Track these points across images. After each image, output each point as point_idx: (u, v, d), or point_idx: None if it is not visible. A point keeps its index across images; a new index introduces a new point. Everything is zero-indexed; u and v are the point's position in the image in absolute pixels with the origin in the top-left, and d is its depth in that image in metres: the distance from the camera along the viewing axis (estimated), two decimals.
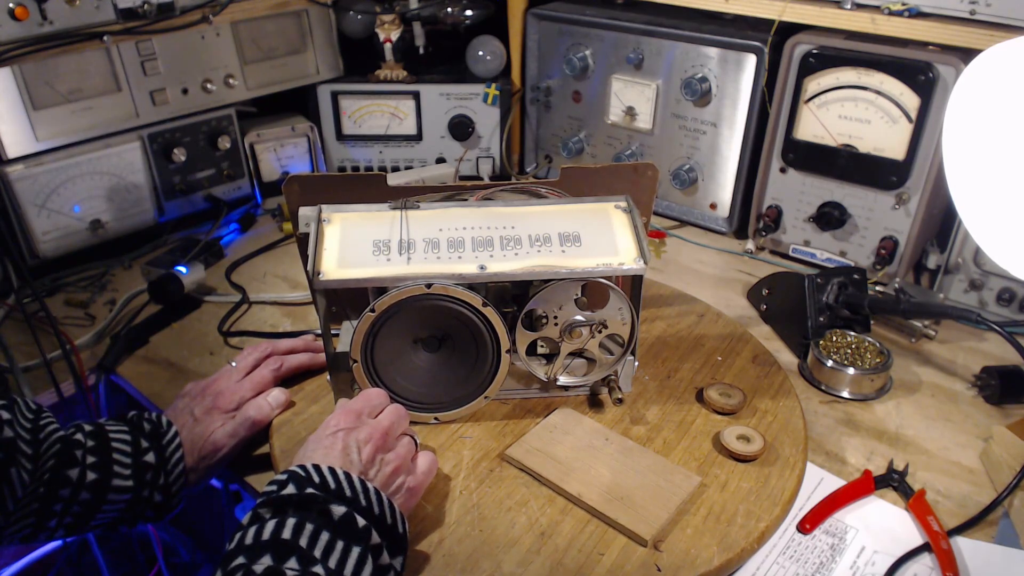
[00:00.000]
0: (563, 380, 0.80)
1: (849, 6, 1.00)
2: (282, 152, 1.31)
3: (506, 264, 0.72)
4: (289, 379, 0.85)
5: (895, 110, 1.00)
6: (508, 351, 0.76)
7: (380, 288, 0.72)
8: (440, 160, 1.38)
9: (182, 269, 1.05)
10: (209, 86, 1.19)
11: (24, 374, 0.92)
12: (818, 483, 0.76)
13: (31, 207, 1.05)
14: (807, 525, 0.71)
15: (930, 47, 0.96)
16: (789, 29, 1.06)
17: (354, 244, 0.74)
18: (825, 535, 0.71)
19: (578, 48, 1.26)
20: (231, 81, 1.21)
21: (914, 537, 0.70)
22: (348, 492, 0.59)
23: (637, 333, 0.78)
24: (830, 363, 0.88)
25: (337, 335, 0.85)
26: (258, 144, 1.28)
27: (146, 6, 1.07)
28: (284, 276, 1.13)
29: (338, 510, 0.56)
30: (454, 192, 0.81)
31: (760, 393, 0.84)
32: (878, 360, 0.89)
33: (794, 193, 1.13)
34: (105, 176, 1.12)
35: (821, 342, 0.91)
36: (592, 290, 0.77)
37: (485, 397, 0.78)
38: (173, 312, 1.03)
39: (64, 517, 0.68)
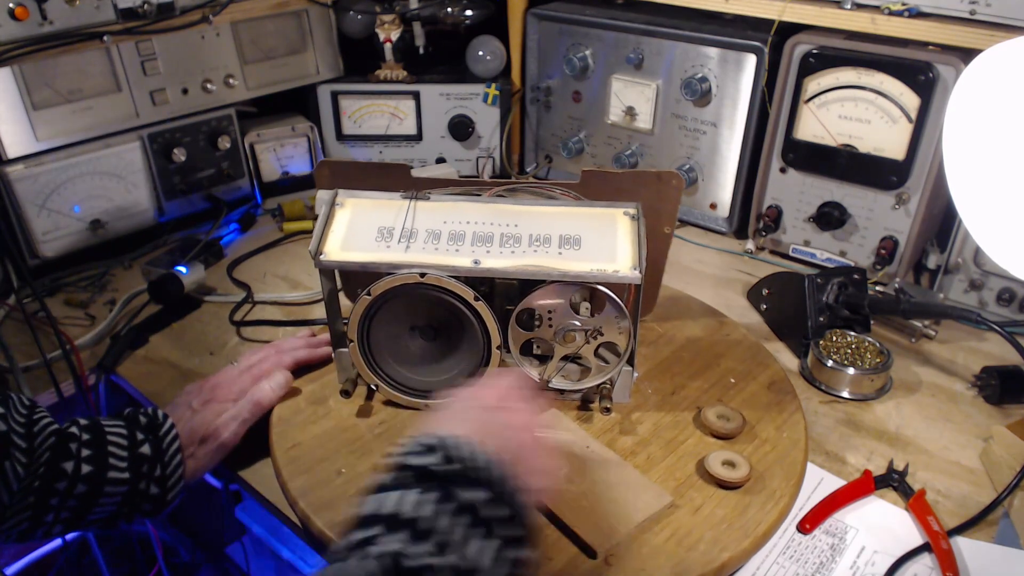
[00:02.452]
0: (556, 383, 0.80)
1: (849, 6, 1.00)
2: (282, 152, 1.31)
3: (500, 261, 0.73)
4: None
5: (895, 110, 1.00)
6: (499, 347, 0.76)
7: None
8: (440, 160, 1.38)
9: (182, 269, 1.04)
10: (209, 86, 1.19)
11: (24, 374, 0.92)
12: (818, 483, 0.76)
13: (31, 207, 1.05)
14: (807, 525, 0.71)
15: (930, 47, 0.96)
16: (789, 29, 1.06)
17: (360, 229, 0.76)
18: (825, 535, 0.71)
19: (578, 48, 1.26)
20: (231, 81, 1.21)
21: (914, 537, 0.70)
22: (488, 474, 0.55)
23: (634, 344, 0.77)
24: (830, 363, 0.88)
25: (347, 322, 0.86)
26: (258, 144, 1.28)
27: (146, 6, 1.07)
28: (284, 276, 1.13)
29: (479, 495, 0.53)
30: (473, 188, 0.82)
31: (766, 421, 0.80)
32: (878, 360, 0.89)
33: (794, 193, 1.13)
34: (105, 176, 1.12)
35: (821, 342, 0.91)
36: (592, 296, 0.76)
37: None
38: (173, 312, 1.03)
39: (61, 512, 0.68)
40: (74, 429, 0.70)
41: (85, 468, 0.68)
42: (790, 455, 0.76)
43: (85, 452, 0.69)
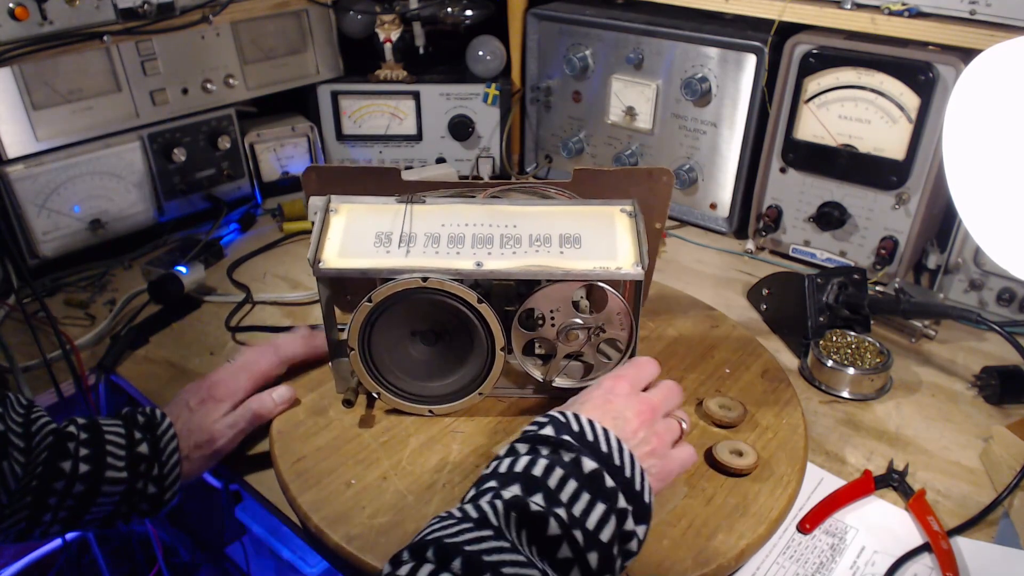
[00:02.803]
0: (559, 382, 0.80)
1: (849, 6, 1.00)
2: (282, 152, 1.31)
3: (503, 262, 0.72)
4: (288, 376, 0.85)
5: (895, 110, 1.00)
6: (503, 349, 0.76)
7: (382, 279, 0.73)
8: (440, 160, 1.38)
9: (182, 269, 1.05)
10: (209, 86, 1.19)
11: (24, 374, 0.92)
12: (818, 483, 0.76)
13: (31, 207, 1.05)
14: (807, 525, 0.71)
15: (930, 47, 0.96)
16: (789, 29, 1.06)
17: (357, 235, 0.75)
18: (825, 535, 0.71)
19: (578, 48, 1.26)
20: (231, 81, 1.21)
21: (914, 537, 0.70)
22: (604, 448, 0.59)
23: (636, 340, 0.77)
24: (830, 363, 0.88)
25: (343, 329, 0.86)
26: (258, 144, 1.28)
27: (146, 6, 1.07)
28: (284, 276, 1.13)
29: (589, 464, 0.57)
30: (466, 189, 0.81)
31: (764, 408, 0.81)
32: (878, 360, 0.89)
33: (794, 193, 1.13)
34: (105, 176, 1.12)
35: (821, 342, 0.91)
36: (593, 293, 0.76)
37: (479, 394, 0.79)
38: (173, 312, 1.03)
39: (59, 511, 0.68)
40: (72, 428, 0.70)
41: (83, 467, 0.68)
42: (791, 440, 0.77)
43: (83, 451, 0.69)
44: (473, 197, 0.80)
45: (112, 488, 0.69)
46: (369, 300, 0.73)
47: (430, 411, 0.80)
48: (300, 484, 0.72)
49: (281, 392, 0.81)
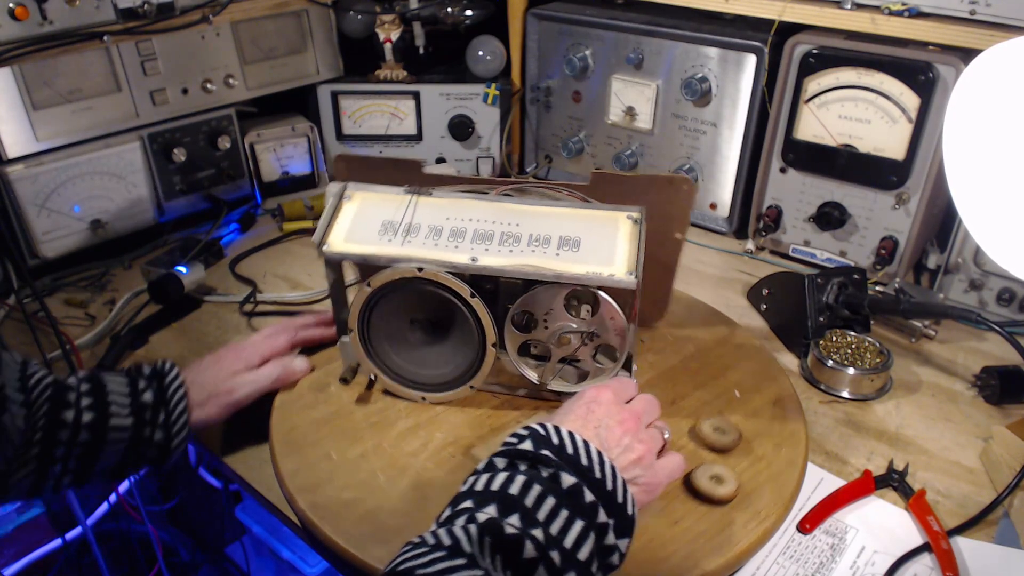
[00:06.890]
0: (554, 386, 0.80)
1: (849, 6, 1.00)
2: (282, 152, 1.31)
3: (498, 259, 0.73)
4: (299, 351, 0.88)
5: (895, 110, 1.00)
6: (494, 345, 0.76)
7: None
8: (440, 160, 1.38)
9: (182, 269, 1.05)
10: (209, 86, 1.19)
11: None
12: (818, 483, 0.76)
13: (31, 207, 1.05)
14: (807, 525, 0.71)
15: (930, 47, 0.96)
16: (789, 29, 1.06)
17: (365, 221, 0.78)
18: (825, 535, 0.71)
19: (578, 48, 1.26)
20: (231, 81, 1.21)
21: (914, 537, 0.70)
22: (584, 461, 0.58)
23: (631, 349, 0.76)
24: (830, 363, 0.88)
25: None
26: (258, 144, 1.28)
27: (146, 6, 1.07)
28: (284, 276, 1.13)
29: (568, 479, 0.55)
30: (481, 186, 0.82)
31: (765, 438, 0.77)
32: (878, 360, 0.89)
33: (794, 193, 1.13)
34: (105, 176, 1.12)
35: (821, 342, 0.91)
36: (590, 299, 0.76)
37: (471, 387, 0.79)
38: (173, 312, 1.03)
39: (67, 461, 0.68)
40: (71, 380, 0.71)
41: (86, 416, 0.69)
42: (784, 474, 0.73)
43: (85, 401, 0.69)
44: (485, 194, 0.81)
45: (118, 435, 0.70)
46: (368, 285, 0.76)
47: (423, 398, 0.81)
48: (285, 450, 0.75)
49: (301, 361, 0.84)
